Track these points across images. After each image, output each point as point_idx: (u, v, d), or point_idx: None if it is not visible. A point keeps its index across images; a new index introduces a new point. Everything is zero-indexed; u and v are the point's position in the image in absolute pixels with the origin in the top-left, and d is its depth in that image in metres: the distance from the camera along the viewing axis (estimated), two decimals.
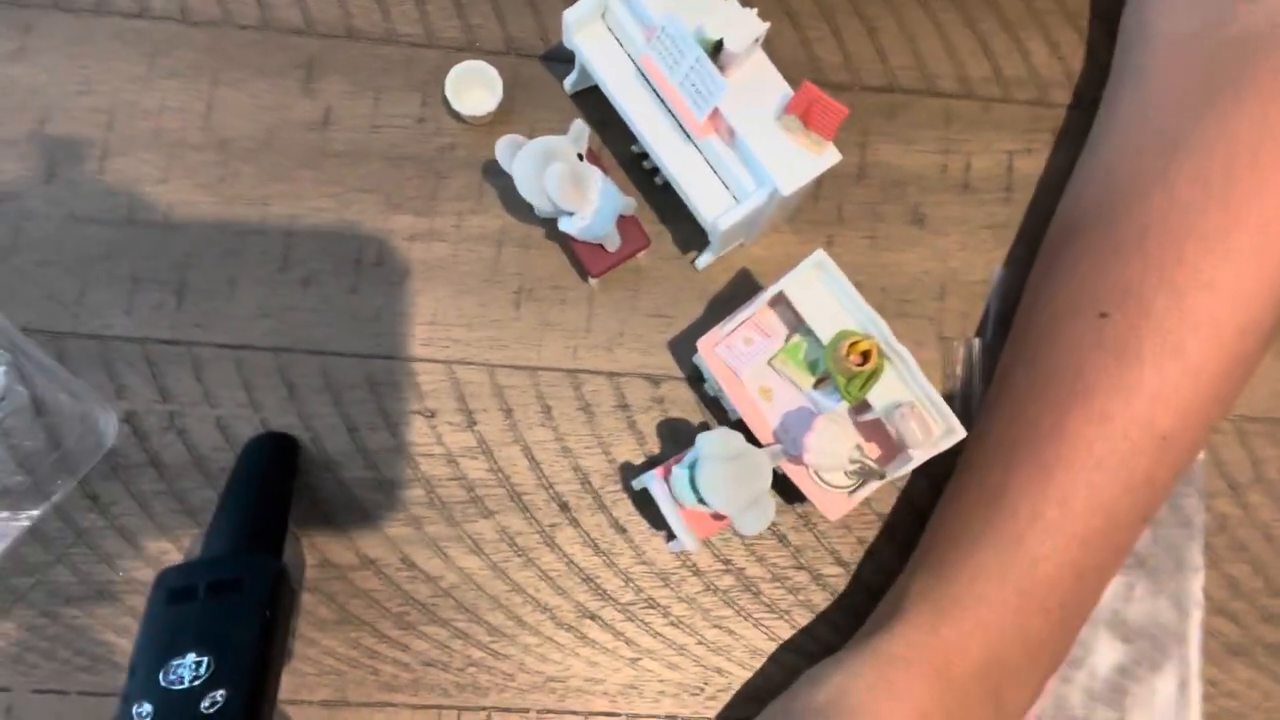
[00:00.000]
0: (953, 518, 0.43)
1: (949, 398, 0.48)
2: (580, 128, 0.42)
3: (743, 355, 0.43)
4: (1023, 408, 0.43)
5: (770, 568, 0.47)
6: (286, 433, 0.46)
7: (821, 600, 0.47)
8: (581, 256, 0.45)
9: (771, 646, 0.47)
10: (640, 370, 0.48)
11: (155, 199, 0.47)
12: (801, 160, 0.40)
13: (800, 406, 0.43)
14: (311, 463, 0.46)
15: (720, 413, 0.48)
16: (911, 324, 0.49)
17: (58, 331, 0.46)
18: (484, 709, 0.45)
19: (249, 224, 0.47)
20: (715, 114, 0.41)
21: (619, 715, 0.46)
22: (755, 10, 0.39)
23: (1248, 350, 0.41)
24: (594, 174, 0.42)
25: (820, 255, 0.41)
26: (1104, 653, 0.47)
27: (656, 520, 0.47)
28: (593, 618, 0.46)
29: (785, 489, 0.44)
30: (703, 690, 0.46)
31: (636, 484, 0.45)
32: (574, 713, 0.46)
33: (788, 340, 0.43)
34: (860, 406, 0.41)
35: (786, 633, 0.47)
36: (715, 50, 0.39)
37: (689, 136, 0.43)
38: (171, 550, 0.45)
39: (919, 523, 0.46)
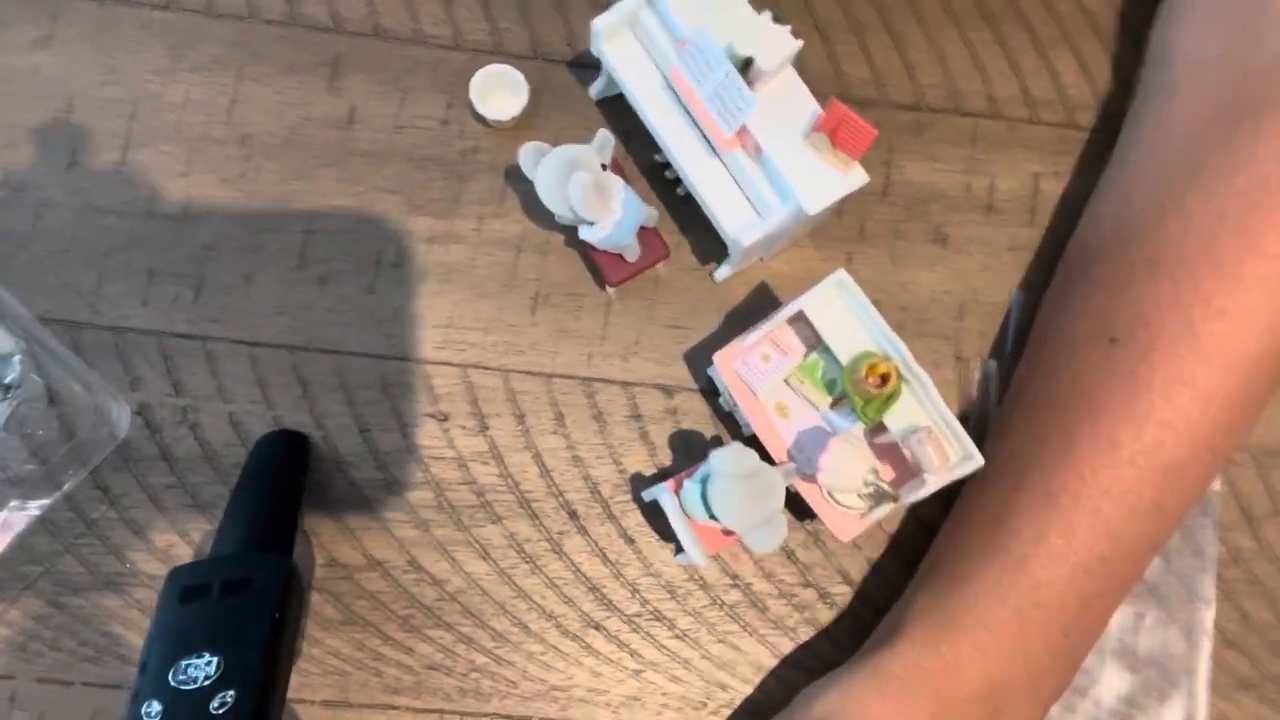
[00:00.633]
0: (958, 537, 0.43)
1: (964, 418, 0.47)
2: (605, 137, 0.41)
3: (760, 371, 0.43)
4: (1032, 430, 0.43)
5: (778, 584, 0.47)
6: (298, 430, 0.46)
7: (827, 618, 0.47)
8: (601, 265, 0.45)
9: (776, 663, 0.46)
10: (655, 381, 0.48)
11: (175, 192, 0.47)
12: (828, 179, 0.40)
13: (815, 425, 0.43)
14: (322, 462, 0.46)
15: (734, 426, 0.47)
16: (929, 343, 0.48)
17: (74, 321, 0.46)
18: (486, 715, 0.45)
19: (269, 220, 0.47)
20: (742, 129, 0.40)
21: None
22: (788, 28, 0.39)
23: (1260, 381, 0.40)
24: (617, 184, 0.42)
25: (842, 274, 0.40)
26: (1110, 682, 0.47)
27: (665, 532, 0.47)
28: (598, 628, 0.46)
29: (795, 505, 0.44)
30: (705, 705, 0.46)
31: (647, 495, 0.45)
32: None
33: (805, 358, 0.43)
34: (876, 428, 0.41)
35: (792, 650, 0.46)
36: (745, 66, 0.39)
37: (714, 149, 0.43)
38: (179, 544, 0.45)
39: (929, 542, 0.46)
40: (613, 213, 0.42)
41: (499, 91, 0.47)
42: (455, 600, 0.46)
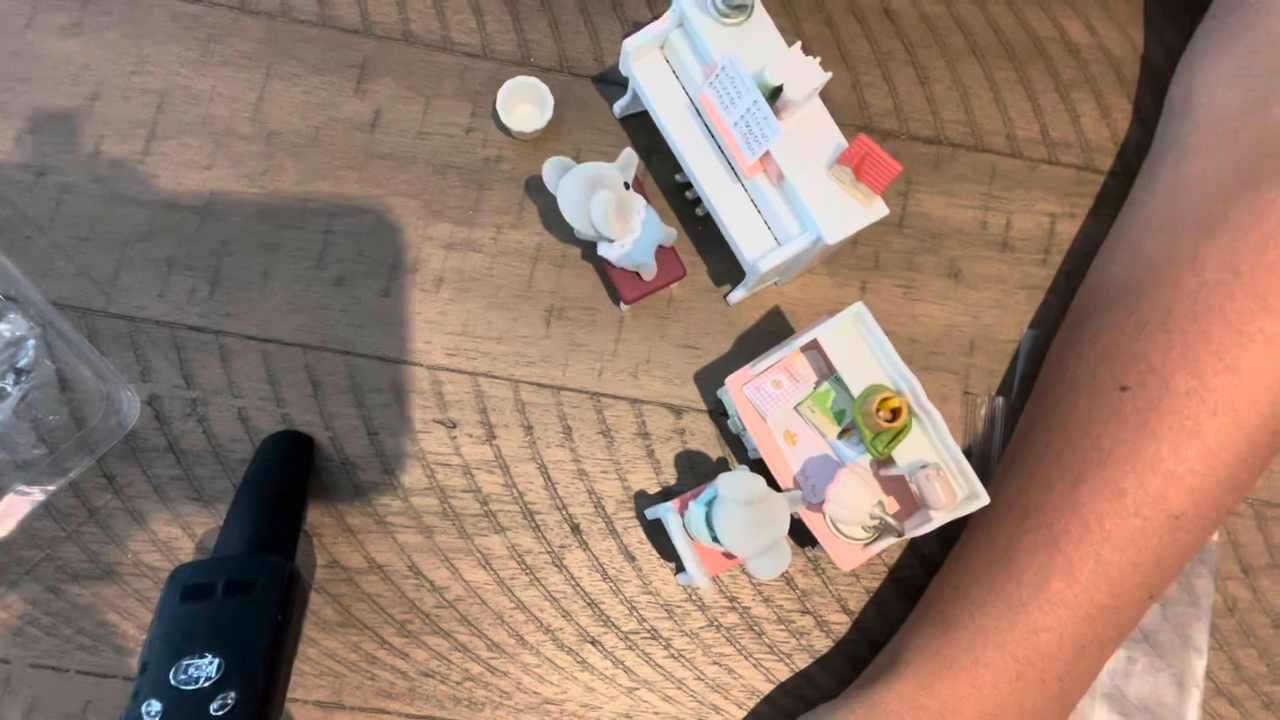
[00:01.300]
0: (959, 576, 0.43)
1: (968, 454, 0.48)
2: (630, 156, 0.42)
3: (770, 397, 0.43)
4: (1037, 472, 0.43)
5: (776, 609, 0.47)
6: (302, 431, 0.46)
7: (824, 646, 0.47)
8: (616, 282, 0.45)
9: (769, 688, 0.46)
10: (664, 399, 0.48)
11: (197, 185, 0.47)
12: (849, 210, 0.40)
13: (824, 454, 0.43)
14: (329, 462, 0.46)
15: (740, 450, 0.47)
16: (937, 377, 0.49)
17: (89, 309, 0.46)
18: None
19: (288, 218, 0.47)
20: (766, 156, 0.40)
21: None
22: (818, 59, 0.39)
23: (1267, 438, 0.40)
24: (638, 203, 0.42)
25: (859, 307, 0.40)
26: None
27: (666, 550, 0.47)
28: (594, 643, 0.46)
29: (797, 532, 0.44)
30: None
31: (650, 514, 0.45)
32: None
33: (817, 387, 0.43)
34: (884, 461, 0.41)
35: (786, 676, 0.47)
36: (773, 95, 0.39)
37: (736, 174, 0.43)
38: (181, 537, 0.45)
39: (928, 577, 0.46)
40: (633, 231, 0.42)
41: (524, 103, 0.48)
42: (453, 608, 0.46)
